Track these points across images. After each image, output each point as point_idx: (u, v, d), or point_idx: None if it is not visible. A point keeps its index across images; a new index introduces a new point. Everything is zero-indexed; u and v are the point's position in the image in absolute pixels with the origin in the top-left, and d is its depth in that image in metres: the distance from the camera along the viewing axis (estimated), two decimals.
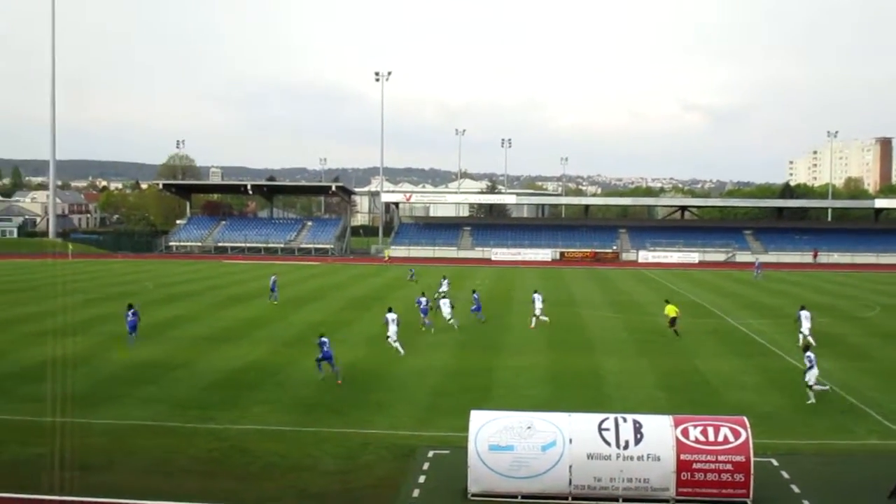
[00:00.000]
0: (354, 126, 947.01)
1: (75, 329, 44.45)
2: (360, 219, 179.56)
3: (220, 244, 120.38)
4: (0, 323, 46.76)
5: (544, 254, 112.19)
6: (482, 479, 20.04)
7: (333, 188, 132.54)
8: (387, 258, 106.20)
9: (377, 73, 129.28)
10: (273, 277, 60.86)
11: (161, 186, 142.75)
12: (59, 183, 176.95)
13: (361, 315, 51.16)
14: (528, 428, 20.25)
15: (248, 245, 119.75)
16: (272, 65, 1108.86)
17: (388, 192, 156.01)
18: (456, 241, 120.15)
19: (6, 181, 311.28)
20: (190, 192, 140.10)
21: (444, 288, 59.96)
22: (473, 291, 54.74)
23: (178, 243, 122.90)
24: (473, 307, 50.46)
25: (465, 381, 33.08)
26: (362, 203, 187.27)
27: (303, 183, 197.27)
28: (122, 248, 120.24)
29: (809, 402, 29.76)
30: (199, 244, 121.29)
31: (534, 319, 47.70)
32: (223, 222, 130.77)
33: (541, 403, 28.01)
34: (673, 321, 43.74)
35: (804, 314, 42.13)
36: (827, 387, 30.87)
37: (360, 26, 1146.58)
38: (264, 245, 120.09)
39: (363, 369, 34.95)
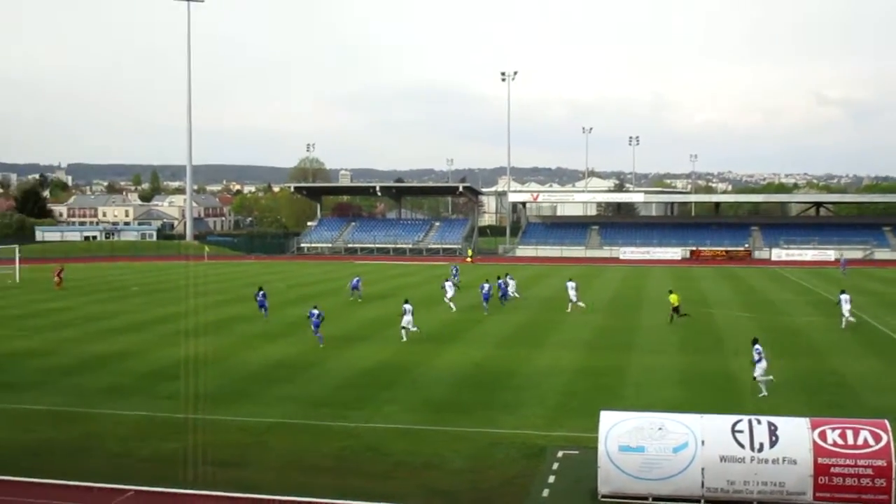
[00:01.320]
0: (481, 126, 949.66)
1: (211, 329, 45.78)
2: (488, 219, 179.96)
3: (349, 245, 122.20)
4: (140, 323, 48.51)
5: (674, 252, 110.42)
6: (612, 479, 19.91)
7: (461, 189, 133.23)
8: (469, 259, 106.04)
9: (503, 73, 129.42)
10: (357, 279, 62.14)
11: (293, 189, 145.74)
12: (195, 187, 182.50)
13: (489, 315, 51.23)
14: (660, 429, 20.02)
15: (377, 246, 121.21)
16: (399, 67, 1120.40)
17: (515, 191, 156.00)
18: (584, 240, 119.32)
19: (146, 186, 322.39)
20: (320, 194, 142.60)
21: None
22: (501, 277, 59.84)
23: (309, 245, 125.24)
24: (500, 294, 56.55)
25: (595, 380, 32.87)
26: (489, 203, 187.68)
27: (430, 184, 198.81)
28: (255, 250, 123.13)
29: (761, 395, 29.83)
30: (330, 245, 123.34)
31: (570, 305, 52.33)
32: (353, 224, 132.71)
33: (672, 404, 27.61)
34: (676, 309, 47.11)
35: (844, 297, 46.17)
36: (771, 377, 30.48)
37: (485, 27, 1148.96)
38: (393, 246, 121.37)
39: (491, 369, 35.05)
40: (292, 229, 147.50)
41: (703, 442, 19.64)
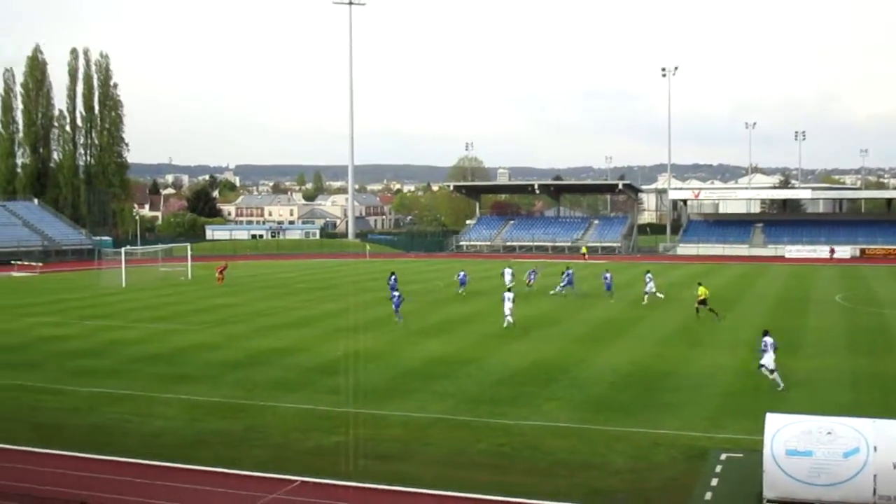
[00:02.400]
0: (640, 123, 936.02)
1: (373, 325, 46.54)
2: (647, 216, 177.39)
3: (508, 243, 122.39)
4: (305, 319, 49.74)
5: (842, 251, 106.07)
6: (778, 484, 19.26)
7: (620, 186, 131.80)
8: (585, 256, 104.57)
9: (663, 69, 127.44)
10: (463, 273, 64.47)
11: (451, 188, 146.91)
12: (357, 187, 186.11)
13: (649, 313, 50.52)
14: (829, 433, 19.25)
15: (535, 244, 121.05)
16: (559, 65, 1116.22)
17: (675, 188, 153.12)
18: (747, 238, 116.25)
19: (309, 186, 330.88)
20: (479, 192, 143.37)
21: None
22: (566, 269, 63.38)
23: (468, 243, 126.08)
24: (563, 283, 59.78)
25: (758, 381, 31.84)
26: (649, 201, 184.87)
27: (589, 181, 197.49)
28: (415, 248, 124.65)
29: (779, 388, 30.04)
30: (489, 243, 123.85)
31: (646, 297, 54.47)
32: (511, 222, 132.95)
33: (841, 408, 26.53)
34: (703, 302, 47.67)
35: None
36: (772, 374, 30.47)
37: (646, 23, 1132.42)
38: (551, 244, 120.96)
39: (653, 369, 34.49)
40: (451, 227, 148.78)
41: (875, 448, 18.78)
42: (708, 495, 20.12)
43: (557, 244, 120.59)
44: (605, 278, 59.88)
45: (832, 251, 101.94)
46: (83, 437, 25.71)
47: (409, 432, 25.62)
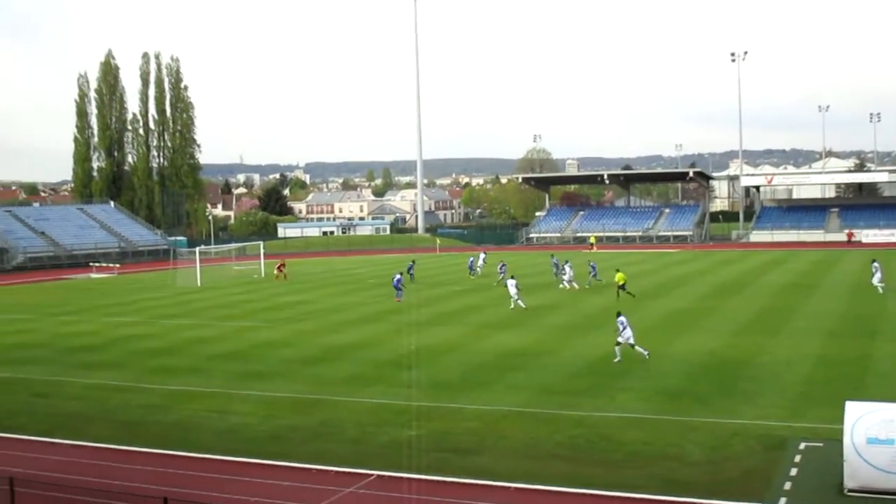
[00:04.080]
0: (710, 110, 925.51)
1: (445, 319, 46.66)
2: (719, 204, 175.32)
3: (578, 234, 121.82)
4: (377, 314, 50.02)
5: None
6: (860, 473, 18.91)
7: (690, 174, 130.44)
8: (593, 246, 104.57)
9: (733, 54, 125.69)
10: (482, 255, 69.29)
11: (520, 180, 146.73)
12: (426, 181, 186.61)
13: (724, 302, 49.93)
14: None
15: (605, 234, 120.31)
16: (624, 52, 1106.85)
17: (747, 175, 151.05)
18: (822, 223, 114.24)
19: (378, 182, 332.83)
20: (548, 184, 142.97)
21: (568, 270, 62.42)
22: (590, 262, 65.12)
23: (538, 235, 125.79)
24: (591, 273, 61.61)
25: (838, 369, 31.36)
26: (721, 188, 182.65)
27: (659, 170, 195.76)
28: (485, 241, 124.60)
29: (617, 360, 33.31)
30: (559, 235, 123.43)
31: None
32: (581, 212, 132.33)
33: None
34: (622, 286, 52.09)
35: (875, 265, 53.07)
36: (644, 352, 33.46)
37: (713, 7, 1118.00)
38: (622, 234, 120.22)
39: (728, 357, 34.07)
40: (521, 220, 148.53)
41: None
42: (787, 485, 19.82)
43: (628, 234, 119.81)
44: (592, 268, 62.40)
45: None
46: (163, 433, 26.20)
47: (483, 425, 25.64)
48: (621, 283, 52.62)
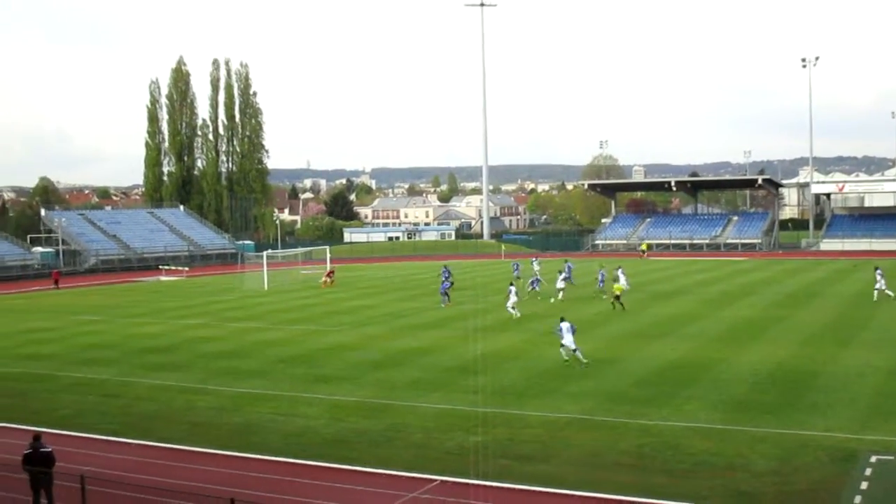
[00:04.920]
0: (779, 116, 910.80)
1: (509, 325, 46.58)
2: (789, 212, 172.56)
3: (644, 241, 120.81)
4: (442, 319, 50.08)
5: None
6: None
7: (759, 181, 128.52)
8: (643, 254, 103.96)
9: (804, 60, 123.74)
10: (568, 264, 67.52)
11: (586, 186, 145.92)
12: (491, 187, 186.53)
13: (793, 312, 49.19)
14: None
15: (672, 242, 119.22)
16: (692, 59, 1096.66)
17: (818, 182, 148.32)
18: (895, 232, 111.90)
19: (444, 188, 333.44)
20: (614, 190, 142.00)
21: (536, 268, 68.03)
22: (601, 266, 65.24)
23: (603, 241, 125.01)
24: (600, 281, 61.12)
25: None
26: (790, 195, 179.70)
27: (727, 177, 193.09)
28: (550, 248, 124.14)
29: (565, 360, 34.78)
30: (625, 242, 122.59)
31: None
32: (647, 219, 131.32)
33: None
34: (617, 297, 51.54)
35: (879, 272, 53.83)
36: (576, 356, 34.54)
37: (784, 13, 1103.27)
38: (689, 241, 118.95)
39: (796, 367, 33.52)
40: (586, 226, 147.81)
41: None
42: (857, 499, 19.45)
43: (695, 242, 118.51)
44: (600, 276, 61.66)
45: None
46: (230, 435, 26.52)
47: (548, 432, 25.55)
48: (618, 293, 52.00)
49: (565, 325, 35.28)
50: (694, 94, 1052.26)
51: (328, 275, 75.56)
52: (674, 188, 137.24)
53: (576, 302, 55.11)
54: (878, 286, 53.12)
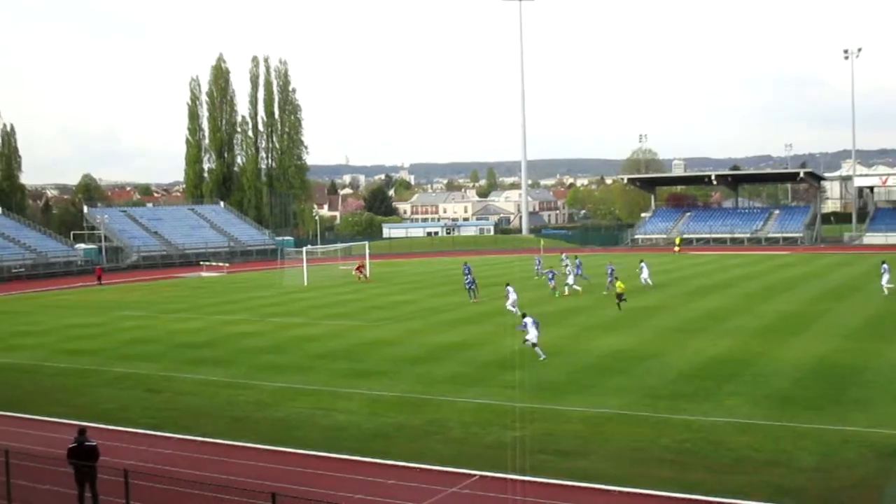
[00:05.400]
0: (821, 108, 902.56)
1: (550, 320, 46.39)
2: (831, 205, 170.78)
3: (684, 236, 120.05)
4: (480, 314, 50.07)
5: None
6: None
7: (801, 174, 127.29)
8: (677, 249, 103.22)
9: (846, 51, 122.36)
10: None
11: (626, 181, 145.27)
12: (530, 182, 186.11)
13: (836, 306, 48.69)
14: None
15: (712, 236, 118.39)
16: (733, 52, 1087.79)
17: (860, 175, 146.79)
18: None
19: (482, 182, 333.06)
20: (654, 184, 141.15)
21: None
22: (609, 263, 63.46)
23: (643, 236, 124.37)
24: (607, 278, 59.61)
25: None
26: (832, 189, 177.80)
27: (768, 170, 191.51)
28: (590, 242, 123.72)
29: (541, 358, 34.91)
30: (664, 236, 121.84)
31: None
32: (688, 214, 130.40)
33: None
34: (619, 296, 49.43)
35: (885, 266, 53.35)
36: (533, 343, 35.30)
37: (826, 3, 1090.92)
38: (729, 235, 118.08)
39: (838, 363, 33.16)
40: (626, 221, 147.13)
41: None
42: None
43: (736, 236, 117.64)
44: (609, 270, 60.50)
45: None
46: (270, 429, 26.69)
47: (588, 428, 25.48)
48: (620, 292, 50.22)
49: (529, 320, 35.96)
50: (735, 86, 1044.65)
51: (357, 269, 75.79)
52: (714, 182, 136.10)
53: (598, 299, 54.86)
54: (883, 281, 53.02)
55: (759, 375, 31.46)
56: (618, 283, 51.73)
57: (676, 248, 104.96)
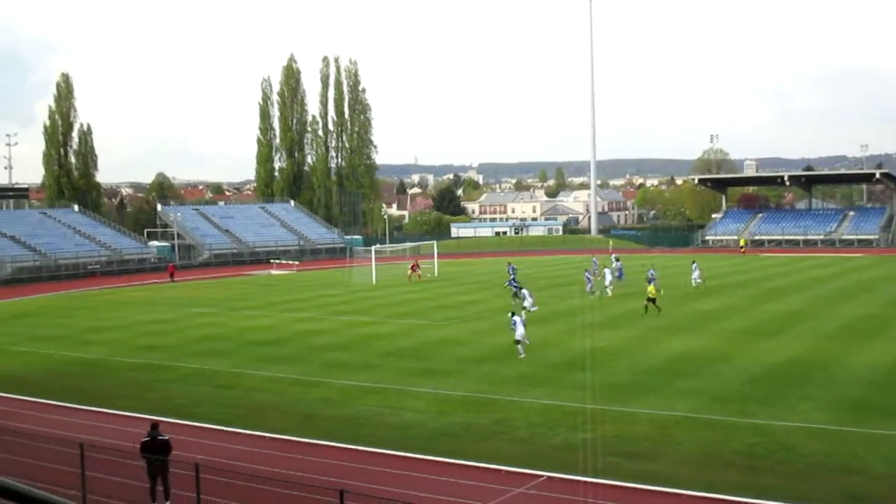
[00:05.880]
0: None
1: (617, 321, 46.16)
2: None
3: (756, 237, 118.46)
4: (549, 315, 49.79)
5: None
6: None
7: (877, 175, 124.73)
8: (743, 249, 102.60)
9: None
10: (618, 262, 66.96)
11: (696, 181, 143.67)
12: (599, 182, 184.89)
13: None
14: None
15: (785, 238, 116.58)
16: (805, 49, 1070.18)
17: None
18: None
19: (551, 182, 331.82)
20: (725, 185, 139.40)
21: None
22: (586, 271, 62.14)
23: (714, 237, 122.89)
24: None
25: None
26: None
27: (842, 171, 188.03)
28: (659, 243, 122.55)
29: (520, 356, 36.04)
30: (735, 238, 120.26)
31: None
32: (759, 215, 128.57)
33: None
34: (652, 300, 48.05)
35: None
36: (527, 343, 36.86)
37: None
38: (802, 237, 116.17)
39: None
40: (696, 221, 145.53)
41: None
42: None
43: (809, 237, 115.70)
44: (650, 274, 57.63)
45: None
46: (338, 427, 26.89)
47: (656, 430, 25.26)
48: (652, 296, 48.63)
49: (518, 319, 37.82)
50: (809, 85, 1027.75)
51: (412, 268, 75.97)
52: (787, 183, 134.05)
53: (664, 301, 54.34)
54: None
55: (833, 380, 30.93)
56: (650, 288, 50.32)
57: (743, 249, 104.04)
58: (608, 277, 59.00)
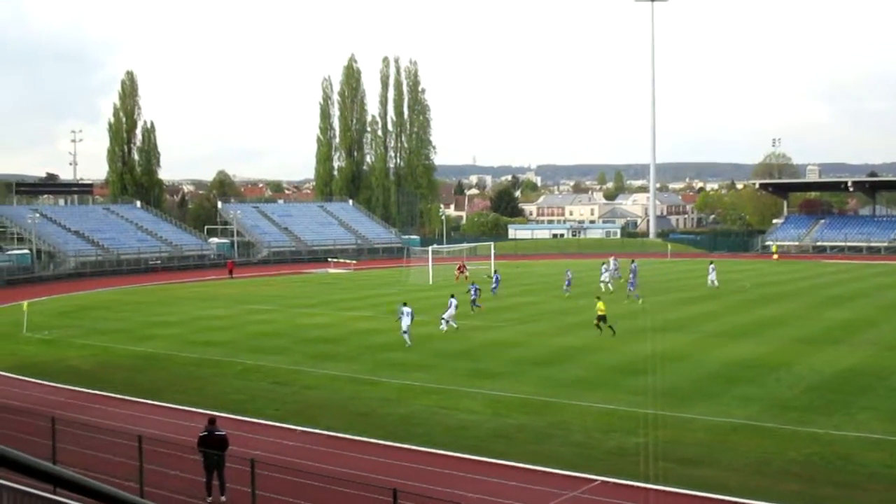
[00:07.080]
0: None
1: (675, 326, 45.79)
2: None
3: (818, 243, 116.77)
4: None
5: None
6: None
7: None
8: (775, 255, 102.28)
9: None
10: (568, 272, 67.01)
11: (757, 186, 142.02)
12: (658, 185, 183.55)
13: None
14: None
15: (847, 244, 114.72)
16: (871, 56, 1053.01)
17: None
18: None
19: (610, 185, 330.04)
20: (787, 190, 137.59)
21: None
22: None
23: (774, 243, 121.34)
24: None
25: None
26: None
27: None
28: (719, 248, 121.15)
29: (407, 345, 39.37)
30: (797, 243, 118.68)
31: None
32: (822, 221, 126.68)
33: None
34: (601, 318, 43.47)
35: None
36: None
37: None
38: (866, 244, 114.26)
39: None
40: (756, 227, 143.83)
41: None
42: None
43: (872, 244, 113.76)
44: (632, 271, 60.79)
45: None
46: (392, 426, 27.01)
47: (712, 437, 25.04)
48: (601, 313, 44.06)
49: (406, 309, 41.09)
50: (873, 89, 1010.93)
51: (459, 269, 75.94)
52: (851, 188, 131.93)
53: (724, 306, 53.73)
54: None
55: (894, 390, 30.42)
56: (598, 304, 45.54)
57: (775, 255, 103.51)
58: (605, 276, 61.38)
